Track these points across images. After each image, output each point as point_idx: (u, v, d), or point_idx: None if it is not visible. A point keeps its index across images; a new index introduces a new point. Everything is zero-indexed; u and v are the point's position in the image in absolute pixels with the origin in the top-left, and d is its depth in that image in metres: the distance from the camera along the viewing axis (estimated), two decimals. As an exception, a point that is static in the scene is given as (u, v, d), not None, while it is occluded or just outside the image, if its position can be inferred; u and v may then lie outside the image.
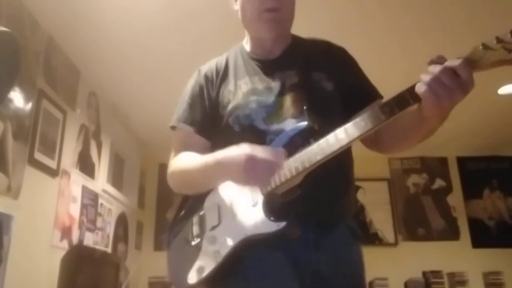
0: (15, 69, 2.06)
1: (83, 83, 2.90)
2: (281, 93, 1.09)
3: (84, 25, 2.43)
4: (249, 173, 0.90)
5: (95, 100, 3.13)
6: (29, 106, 2.21)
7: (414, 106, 0.84)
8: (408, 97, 0.83)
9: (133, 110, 3.55)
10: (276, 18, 1.11)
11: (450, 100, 0.79)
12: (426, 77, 0.80)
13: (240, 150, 0.93)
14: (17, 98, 2.11)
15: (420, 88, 0.81)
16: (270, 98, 1.08)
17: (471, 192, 4.60)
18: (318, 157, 0.90)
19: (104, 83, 3.09)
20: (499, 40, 0.75)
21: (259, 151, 0.92)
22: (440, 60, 0.81)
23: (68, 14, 2.32)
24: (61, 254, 2.38)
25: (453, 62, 0.78)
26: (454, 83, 0.78)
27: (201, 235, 1.04)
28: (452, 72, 0.78)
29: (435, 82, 0.78)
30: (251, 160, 0.90)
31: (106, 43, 2.61)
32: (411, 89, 0.83)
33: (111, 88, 3.16)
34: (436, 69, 0.79)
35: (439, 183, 4.65)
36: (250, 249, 0.94)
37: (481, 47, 0.77)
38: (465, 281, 4.09)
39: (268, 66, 1.15)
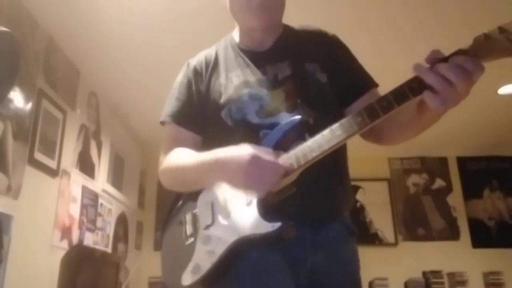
0: (15, 69, 2.06)
1: (83, 83, 2.90)
2: (274, 86, 1.05)
3: (84, 25, 2.43)
4: (251, 174, 0.86)
5: (95, 100, 3.13)
6: (29, 106, 2.21)
7: (413, 100, 0.81)
8: (407, 91, 0.80)
9: (133, 110, 3.55)
10: (264, 4, 1.06)
11: (456, 102, 0.77)
12: (437, 83, 0.74)
13: (242, 152, 0.88)
14: (17, 98, 2.10)
15: (431, 100, 0.75)
16: (263, 91, 1.05)
17: (471, 192, 4.60)
18: (314, 154, 0.87)
19: (104, 83, 3.09)
20: (502, 30, 0.72)
21: (263, 153, 0.88)
22: (437, 55, 0.77)
23: (68, 14, 2.32)
24: (61, 254, 2.37)
25: (468, 63, 0.73)
26: (468, 87, 0.74)
27: (194, 234, 1.01)
28: (469, 76, 0.73)
29: (448, 90, 0.74)
30: (255, 160, 0.86)
31: (106, 43, 2.61)
32: (410, 83, 0.79)
33: (111, 88, 3.16)
34: (450, 73, 0.74)
35: (439, 183, 4.65)
36: (245, 249, 0.92)
37: (483, 38, 0.74)
38: (465, 281, 4.09)
39: (260, 57, 1.12)
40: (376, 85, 1.12)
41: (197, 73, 1.15)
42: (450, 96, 0.75)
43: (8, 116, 2.01)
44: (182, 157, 1.07)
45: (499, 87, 3.30)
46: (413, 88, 0.79)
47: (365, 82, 1.12)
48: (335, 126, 0.87)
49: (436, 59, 0.77)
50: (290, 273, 0.94)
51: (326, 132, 0.88)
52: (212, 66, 1.15)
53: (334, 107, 1.08)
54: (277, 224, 0.88)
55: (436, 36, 2.54)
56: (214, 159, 0.95)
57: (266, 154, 0.88)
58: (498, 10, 2.33)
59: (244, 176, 0.87)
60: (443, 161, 4.72)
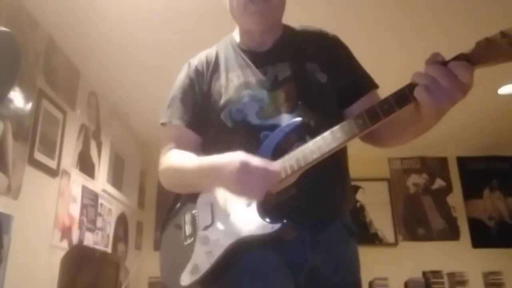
0: (15, 69, 2.06)
1: (83, 83, 2.90)
2: (274, 87, 1.05)
3: (84, 25, 2.43)
4: (242, 181, 0.87)
5: (95, 100, 3.13)
6: (29, 106, 2.21)
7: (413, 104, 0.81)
8: (408, 94, 0.80)
9: (133, 110, 3.55)
10: (263, 10, 1.05)
11: (450, 102, 0.77)
12: (424, 80, 0.77)
13: (235, 158, 0.89)
14: (17, 98, 2.11)
15: (420, 95, 0.77)
16: (263, 92, 1.04)
17: (471, 192, 4.60)
18: (314, 156, 0.87)
19: (104, 83, 3.09)
20: (504, 35, 0.72)
21: (254, 160, 0.88)
22: (436, 58, 0.78)
23: (68, 14, 2.32)
24: (61, 254, 2.37)
25: (453, 64, 0.75)
26: (454, 85, 0.75)
27: (193, 234, 1.01)
28: (452, 74, 0.75)
29: (434, 85, 0.76)
30: (245, 167, 0.86)
31: (106, 43, 2.61)
32: (411, 85, 0.80)
33: (111, 88, 3.17)
34: (435, 72, 0.76)
35: (439, 183, 4.65)
36: (244, 250, 0.91)
37: (485, 42, 0.74)
38: (465, 281, 4.09)
39: (260, 58, 1.11)
40: (376, 86, 1.12)
41: (198, 73, 1.15)
42: (440, 93, 0.76)
43: (8, 116, 2.01)
44: (182, 159, 1.07)
45: (499, 87, 3.30)
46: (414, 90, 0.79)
47: (366, 83, 1.11)
48: (336, 128, 0.87)
49: (435, 62, 0.77)
50: (290, 273, 0.94)
51: (326, 134, 0.87)
52: (213, 66, 1.14)
53: (334, 108, 1.08)
54: (277, 226, 0.87)
55: (436, 37, 2.54)
56: (210, 165, 0.95)
57: (258, 161, 0.88)
58: (498, 11, 2.33)
59: (235, 182, 0.88)
60: (443, 161, 4.72)
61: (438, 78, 0.75)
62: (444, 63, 0.77)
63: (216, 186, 0.98)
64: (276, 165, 0.90)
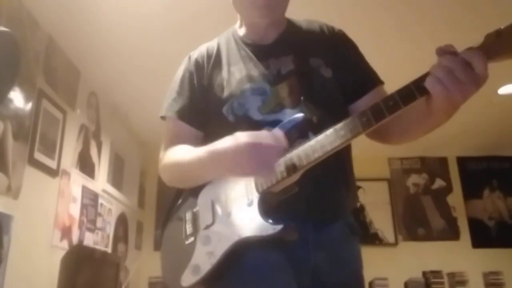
0: (15, 69, 2.06)
1: (83, 83, 2.90)
2: (277, 81, 1.03)
3: (84, 25, 2.43)
4: (256, 160, 0.83)
5: (95, 100, 3.13)
6: (29, 106, 2.21)
7: (420, 100, 0.78)
8: (414, 90, 0.77)
9: (133, 110, 3.55)
10: (270, 3, 1.05)
11: (462, 95, 0.74)
12: (438, 72, 0.73)
13: (238, 140, 0.85)
14: (17, 98, 2.10)
15: (432, 85, 0.74)
16: (266, 86, 1.03)
17: (471, 192, 4.60)
18: (316, 155, 0.85)
19: (104, 83, 3.09)
20: None
21: (259, 137, 0.85)
22: (449, 49, 0.75)
23: (68, 14, 2.32)
24: (61, 254, 2.37)
25: (468, 54, 0.72)
26: (469, 77, 0.72)
27: (194, 234, 0.99)
28: (467, 65, 0.71)
29: (449, 77, 0.72)
30: (256, 147, 0.83)
31: (106, 43, 2.61)
32: (417, 82, 0.77)
33: (111, 88, 3.16)
34: (450, 62, 0.72)
35: (439, 183, 4.66)
36: (246, 250, 0.90)
37: (494, 35, 0.71)
38: (465, 281, 4.09)
39: (263, 51, 1.09)
40: (382, 83, 1.10)
41: (198, 66, 1.13)
42: (453, 85, 0.73)
43: (8, 116, 2.01)
44: (180, 153, 1.05)
45: (499, 87, 3.30)
46: (420, 87, 0.76)
47: (371, 80, 1.10)
48: (339, 126, 0.84)
49: (449, 52, 0.75)
50: (293, 273, 0.93)
51: (329, 132, 0.85)
52: (214, 59, 1.13)
53: (338, 103, 1.06)
54: (279, 227, 0.86)
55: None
56: (210, 152, 0.92)
57: (260, 136, 0.86)
58: (507, 9, 2.31)
59: (247, 162, 0.84)
60: (443, 161, 4.72)
61: (453, 70, 0.73)
62: (457, 54, 0.74)
63: (220, 173, 0.95)
64: (284, 157, 0.88)
